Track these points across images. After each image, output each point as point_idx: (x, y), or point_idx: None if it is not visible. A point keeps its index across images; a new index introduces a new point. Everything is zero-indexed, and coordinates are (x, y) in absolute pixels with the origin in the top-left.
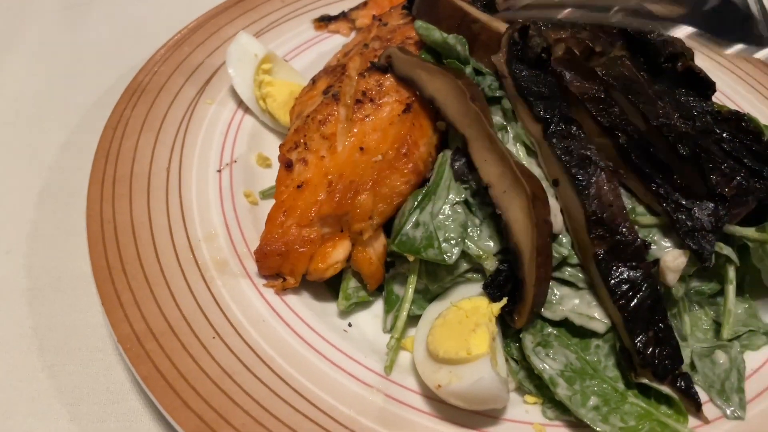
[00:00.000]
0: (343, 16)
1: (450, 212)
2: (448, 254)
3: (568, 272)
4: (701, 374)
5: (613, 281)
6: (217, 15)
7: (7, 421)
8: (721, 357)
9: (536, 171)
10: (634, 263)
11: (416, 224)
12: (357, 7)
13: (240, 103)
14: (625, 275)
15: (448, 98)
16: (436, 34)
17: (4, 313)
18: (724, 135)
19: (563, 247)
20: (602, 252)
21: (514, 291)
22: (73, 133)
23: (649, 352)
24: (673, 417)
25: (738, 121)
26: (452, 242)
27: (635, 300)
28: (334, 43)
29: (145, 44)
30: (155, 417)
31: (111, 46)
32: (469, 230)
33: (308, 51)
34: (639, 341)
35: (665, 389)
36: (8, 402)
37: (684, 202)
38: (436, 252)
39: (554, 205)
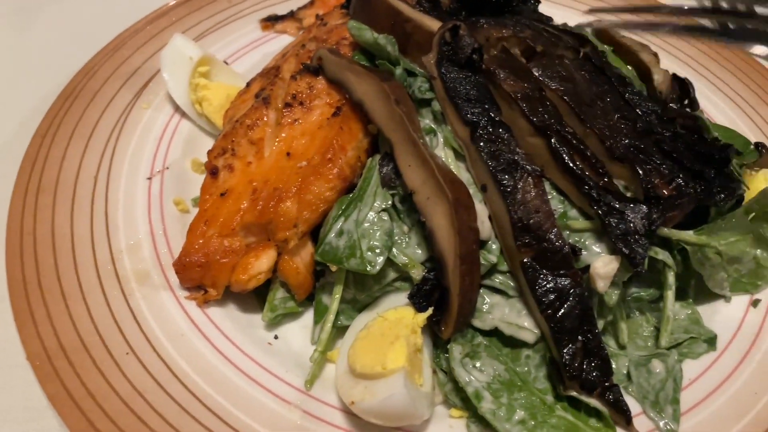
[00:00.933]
0: (290, 15)
1: (375, 219)
2: (372, 264)
3: (498, 280)
4: (636, 384)
5: (539, 290)
6: (160, 17)
7: None
8: (657, 366)
9: (465, 176)
10: (562, 271)
11: (340, 233)
12: (304, 6)
13: (177, 107)
14: (552, 284)
15: (375, 102)
16: (368, 34)
17: None
18: (666, 135)
19: (492, 253)
20: (529, 259)
21: (441, 300)
22: (9, 140)
23: (577, 363)
24: (601, 429)
25: (682, 118)
26: (377, 251)
27: (562, 309)
28: (281, 43)
29: (90, 49)
30: None
31: (56, 51)
32: (396, 238)
33: (253, 52)
34: (566, 352)
35: (594, 402)
36: None
37: (617, 205)
38: (358, 262)
39: (482, 210)
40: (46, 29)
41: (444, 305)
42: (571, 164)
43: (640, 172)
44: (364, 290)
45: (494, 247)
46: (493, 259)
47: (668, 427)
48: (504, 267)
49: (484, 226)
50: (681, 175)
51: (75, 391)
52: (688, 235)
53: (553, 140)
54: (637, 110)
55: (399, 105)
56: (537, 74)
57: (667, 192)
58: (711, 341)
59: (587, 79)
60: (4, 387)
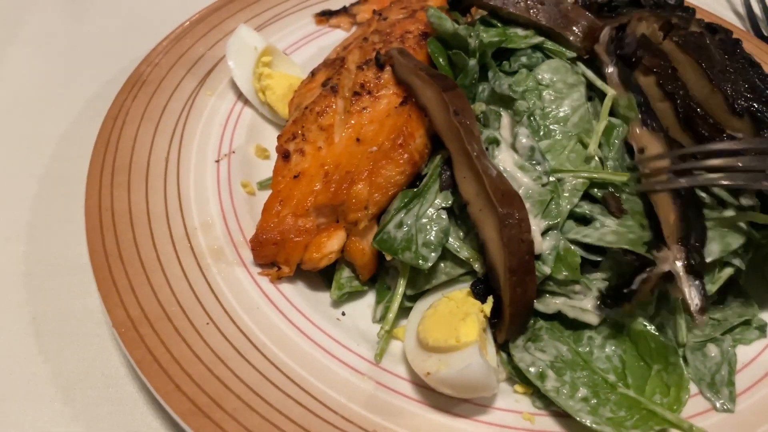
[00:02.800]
0: (344, 11)
1: (434, 216)
2: (425, 259)
3: (553, 289)
4: (692, 367)
5: None
6: (219, 8)
7: (2, 404)
8: (713, 350)
9: (526, 183)
10: None
11: (399, 224)
12: (358, 2)
13: (240, 95)
14: None
15: (435, 110)
16: (448, 24)
17: (3, 299)
18: None
19: (546, 264)
20: None
21: (497, 307)
22: (74, 123)
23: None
24: (665, 405)
25: None
26: (431, 247)
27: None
28: (334, 37)
29: (147, 37)
30: (149, 401)
31: (114, 38)
32: (451, 238)
33: (309, 45)
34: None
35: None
36: (4, 385)
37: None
38: (412, 255)
39: (537, 224)
40: (102, 17)
41: (499, 312)
42: (689, 122)
43: (759, 119)
44: (414, 287)
45: (550, 258)
46: (547, 270)
47: (725, 407)
48: (562, 275)
49: (537, 240)
50: None
51: (161, 357)
52: None
53: (677, 102)
54: (766, 88)
55: (457, 116)
56: (675, 42)
57: None
58: (762, 328)
59: (721, 54)
60: (81, 354)
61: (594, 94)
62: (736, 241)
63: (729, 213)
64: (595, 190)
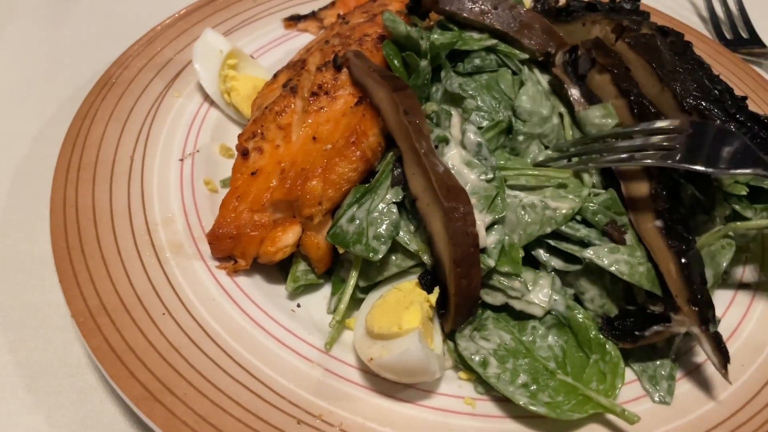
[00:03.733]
0: (312, 15)
1: (385, 210)
2: (375, 251)
3: (499, 280)
4: (637, 358)
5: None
6: (189, 13)
7: None
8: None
9: (471, 176)
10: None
11: (351, 218)
12: (325, 7)
13: (206, 96)
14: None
15: (387, 109)
16: (401, 27)
17: None
18: (735, 107)
19: (491, 257)
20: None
21: (443, 297)
22: (47, 124)
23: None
24: (601, 392)
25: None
26: (381, 240)
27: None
28: (303, 41)
29: (122, 41)
30: (108, 390)
31: (89, 43)
32: (402, 231)
33: (277, 48)
34: (696, 288)
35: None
36: None
37: None
38: (362, 248)
39: (482, 218)
40: (79, 23)
41: (445, 303)
42: (643, 118)
43: (705, 117)
44: (366, 279)
45: (495, 251)
46: (491, 263)
47: (663, 399)
48: (504, 269)
49: (482, 234)
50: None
51: (116, 345)
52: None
53: (631, 99)
54: (714, 88)
55: (407, 116)
56: (627, 43)
57: None
58: None
59: (671, 55)
60: (45, 345)
61: (558, 101)
62: (725, 259)
63: (715, 227)
64: (599, 216)
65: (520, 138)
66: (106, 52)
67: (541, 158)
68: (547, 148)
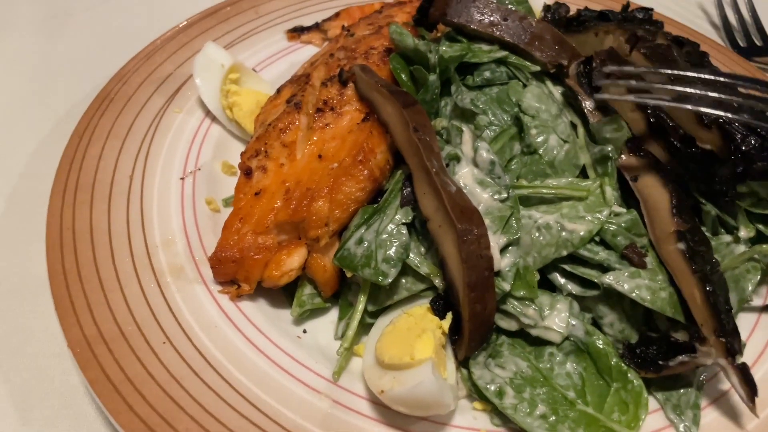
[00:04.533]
0: (316, 26)
1: (395, 232)
2: (384, 275)
3: (512, 306)
4: (661, 387)
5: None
6: (190, 26)
7: None
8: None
9: (485, 199)
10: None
11: (359, 240)
12: (329, 18)
13: (208, 112)
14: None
15: (396, 126)
16: (409, 40)
17: None
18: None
19: (506, 281)
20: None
21: (457, 323)
22: (44, 140)
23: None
24: (623, 423)
25: None
26: (391, 263)
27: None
28: (306, 53)
29: (122, 55)
30: (105, 422)
31: (88, 57)
32: (412, 254)
33: (280, 61)
34: (723, 318)
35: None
36: None
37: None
38: (371, 272)
39: (496, 240)
40: (78, 36)
41: (459, 329)
42: (661, 131)
43: (727, 132)
44: (375, 303)
45: (510, 274)
46: (507, 287)
47: (688, 429)
48: (519, 293)
49: (496, 256)
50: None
51: (114, 377)
52: None
53: (648, 112)
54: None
55: (416, 133)
56: (643, 53)
57: (749, 148)
58: None
59: (688, 65)
60: (42, 375)
61: (572, 113)
62: (749, 284)
63: (739, 250)
64: (619, 238)
65: (533, 132)
66: (105, 67)
67: (562, 154)
68: (566, 142)
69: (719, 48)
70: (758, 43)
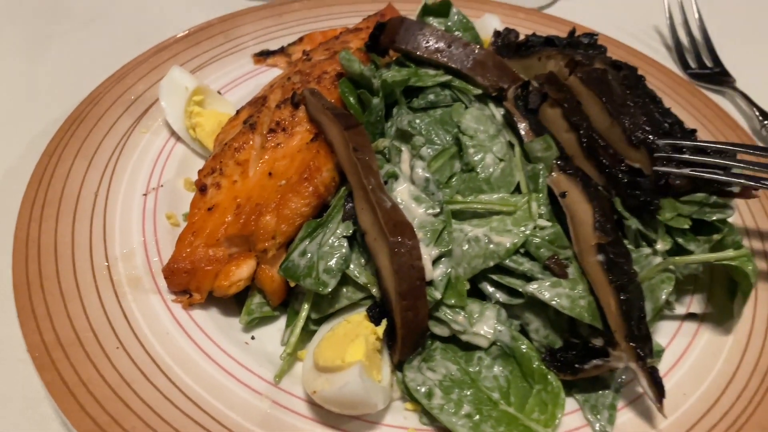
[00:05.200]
0: (281, 50)
1: (336, 244)
2: (324, 285)
3: (445, 313)
4: (581, 389)
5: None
6: (161, 50)
7: None
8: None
9: (419, 211)
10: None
11: (303, 252)
12: (294, 43)
13: (173, 132)
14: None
15: (339, 146)
16: (356, 65)
17: None
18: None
19: (437, 290)
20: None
21: (392, 330)
22: (19, 158)
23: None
24: (541, 422)
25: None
26: (331, 273)
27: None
28: (271, 76)
29: (96, 78)
30: (63, 422)
31: (65, 78)
32: (352, 265)
33: (246, 83)
34: (632, 324)
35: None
36: None
37: (627, 178)
38: (312, 282)
39: (428, 252)
40: (55, 59)
41: (393, 335)
42: (592, 152)
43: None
44: (318, 311)
45: (441, 284)
46: (438, 295)
47: (603, 428)
48: (451, 301)
49: (428, 267)
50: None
51: (69, 380)
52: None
53: (581, 133)
54: (664, 121)
55: (356, 152)
56: (579, 77)
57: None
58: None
59: (623, 89)
60: (5, 379)
61: (510, 133)
62: (663, 293)
63: (656, 261)
64: (542, 250)
65: (471, 151)
66: (81, 88)
67: (498, 172)
68: (501, 161)
69: (664, 70)
70: (708, 63)
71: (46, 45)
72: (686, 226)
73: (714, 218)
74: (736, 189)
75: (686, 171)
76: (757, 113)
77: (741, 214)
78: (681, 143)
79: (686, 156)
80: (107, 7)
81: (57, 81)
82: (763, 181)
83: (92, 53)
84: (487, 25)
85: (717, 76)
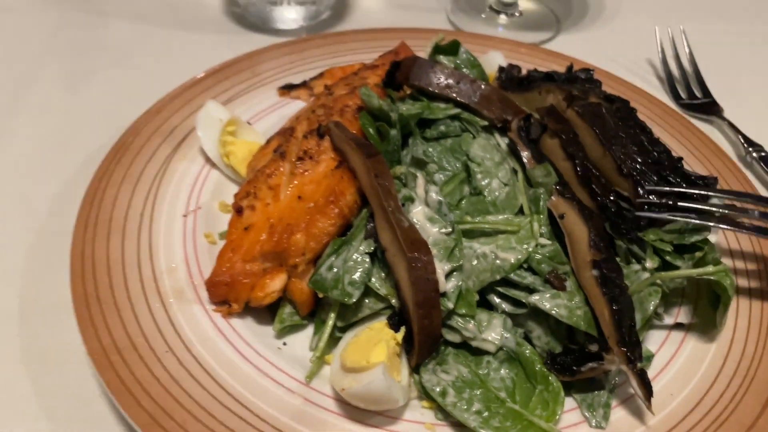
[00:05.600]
0: (303, 84)
1: (359, 260)
2: (349, 296)
3: (456, 322)
4: (579, 389)
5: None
6: (193, 85)
7: None
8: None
9: (434, 233)
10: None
11: (330, 267)
12: (315, 77)
13: (208, 159)
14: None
15: (361, 172)
16: (375, 100)
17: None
18: (673, 171)
19: (450, 301)
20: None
21: (410, 336)
22: (67, 184)
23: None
24: (543, 417)
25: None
26: (355, 285)
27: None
28: (295, 107)
29: (134, 108)
30: (118, 418)
31: (105, 111)
32: (373, 278)
33: (272, 114)
34: (623, 330)
35: (625, 369)
36: None
37: (617, 204)
38: (339, 293)
39: (442, 267)
40: (95, 92)
41: (411, 341)
42: (586, 180)
43: (637, 182)
44: (343, 319)
45: (453, 295)
46: (450, 305)
47: (598, 424)
48: (462, 311)
49: (441, 280)
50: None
51: (126, 379)
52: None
53: (576, 162)
54: (653, 150)
55: (377, 178)
56: (575, 111)
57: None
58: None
59: (616, 121)
60: (63, 381)
61: (514, 161)
62: (651, 305)
63: (645, 276)
64: (543, 265)
65: (479, 176)
66: (119, 118)
67: (503, 195)
68: (506, 185)
69: (655, 101)
70: (698, 94)
71: (86, 78)
72: (668, 249)
73: (692, 240)
74: (712, 231)
75: (666, 215)
76: (743, 141)
77: (725, 235)
78: (663, 189)
79: (667, 202)
80: (138, 45)
81: (96, 113)
82: (739, 226)
83: (129, 86)
84: (492, 60)
85: (706, 106)
